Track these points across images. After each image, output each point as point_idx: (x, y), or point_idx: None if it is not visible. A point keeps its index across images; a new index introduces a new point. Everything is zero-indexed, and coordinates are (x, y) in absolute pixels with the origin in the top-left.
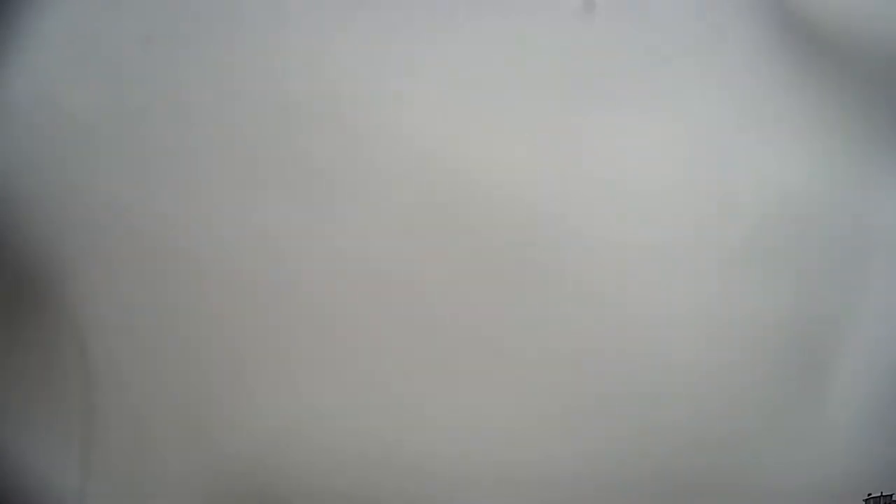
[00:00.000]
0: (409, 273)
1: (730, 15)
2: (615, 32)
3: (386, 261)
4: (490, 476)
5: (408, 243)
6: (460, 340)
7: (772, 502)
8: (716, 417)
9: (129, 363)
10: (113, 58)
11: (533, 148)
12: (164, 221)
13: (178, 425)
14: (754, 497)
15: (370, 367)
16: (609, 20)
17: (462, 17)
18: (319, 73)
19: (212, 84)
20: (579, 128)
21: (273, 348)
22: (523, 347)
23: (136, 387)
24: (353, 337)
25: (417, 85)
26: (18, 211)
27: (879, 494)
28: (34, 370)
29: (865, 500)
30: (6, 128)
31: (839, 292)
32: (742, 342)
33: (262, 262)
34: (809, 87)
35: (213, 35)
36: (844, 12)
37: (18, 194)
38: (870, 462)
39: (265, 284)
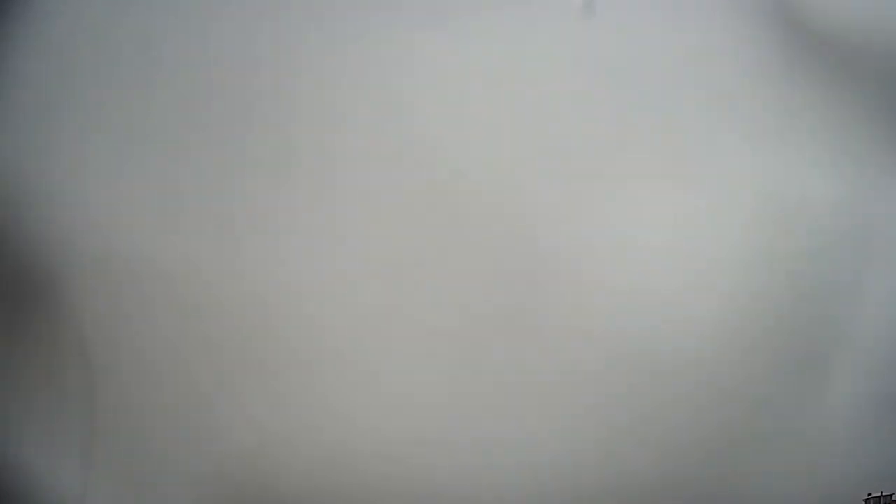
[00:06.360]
0: (405, 277)
1: (729, 16)
2: (612, 41)
3: (383, 265)
4: (488, 477)
5: (404, 249)
6: (456, 342)
7: (772, 502)
8: (715, 418)
9: (130, 364)
10: (115, 58)
11: (532, 148)
12: (164, 223)
13: (178, 426)
14: (754, 498)
15: (368, 368)
16: (606, 28)
17: (461, 17)
18: (320, 71)
19: (209, 80)
20: (576, 130)
21: (273, 349)
22: (522, 351)
23: (137, 388)
24: (350, 338)
25: (415, 85)
26: (19, 211)
27: (879, 494)
28: (35, 371)
29: (865, 500)
30: (7, 128)
31: (839, 292)
32: (742, 342)
33: (261, 263)
34: (809, 88)
35: (215, 37)
36: (845, 12)
37: (19, 194)
38: (870, 462)
39: (263, 285)
